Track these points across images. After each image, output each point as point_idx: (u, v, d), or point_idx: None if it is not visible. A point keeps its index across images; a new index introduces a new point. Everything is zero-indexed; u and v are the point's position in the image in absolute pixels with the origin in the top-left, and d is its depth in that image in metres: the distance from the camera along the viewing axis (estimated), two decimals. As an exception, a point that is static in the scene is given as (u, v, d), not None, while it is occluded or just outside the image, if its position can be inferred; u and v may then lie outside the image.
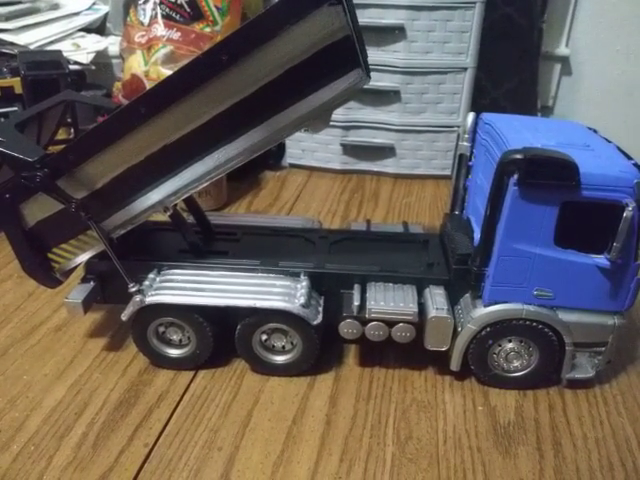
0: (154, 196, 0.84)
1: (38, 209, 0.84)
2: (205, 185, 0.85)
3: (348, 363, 0.94)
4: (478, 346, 0.85)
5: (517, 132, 0.83)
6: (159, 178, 0.82)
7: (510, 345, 0.86)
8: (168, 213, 0.88)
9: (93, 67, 1.93)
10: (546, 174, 0.73)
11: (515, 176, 0.73)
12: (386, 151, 1.66)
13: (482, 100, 1.81)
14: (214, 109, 0.75)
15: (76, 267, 0.93)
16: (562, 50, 1.97)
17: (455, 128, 1.62)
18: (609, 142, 0.83)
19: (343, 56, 0.71)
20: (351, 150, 1.67)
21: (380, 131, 1.64)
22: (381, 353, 0.95)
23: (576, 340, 0.84)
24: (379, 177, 1.69)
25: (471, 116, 0.94)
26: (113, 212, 0.85)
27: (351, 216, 1.46)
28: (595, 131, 0.89)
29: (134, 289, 0.85)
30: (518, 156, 0.73)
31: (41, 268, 0.89)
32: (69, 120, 1.42)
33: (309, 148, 1.70)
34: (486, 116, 0.92)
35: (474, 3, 1.49)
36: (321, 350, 0.89)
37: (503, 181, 0.75)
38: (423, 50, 1.54)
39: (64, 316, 1.04)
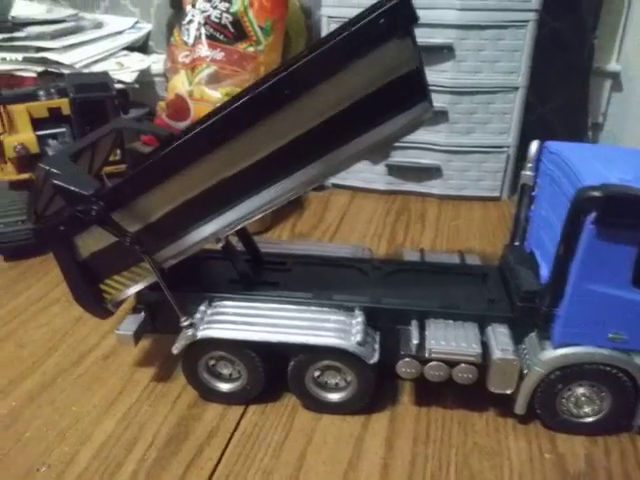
0: (208, 228, 0.82)
1: (92, 241, 0.83)
2: (258, 217, 0.83)
3: (403, 401, 0.90)
4: (546, 390, 0.80)
5: (588, 164, 0.78)
6: (214, 211, 0.80)
7: (581, 390, 0.80)
8: (221, 244, 0.86)
9: (137, 86, 1.94)
10: (626, 213, 0.68)
11: (592, 215, 0.69)
12: (432, 172, 1.62)
13: (529, 116, 1.76)
14: (274, 144, 0.72)
15: (127, 298, 0.91)
16: (613, 66, 1.90)
17: (505, 149, 1.57)
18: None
19: (410, 89, 0.68)
20: (397, 171, 1.64)
21: (427, 151, 1.60)
22: (438, 392, 0.90)
23: (653, 386, 0.78)
24: (424, 198, 1.65)
25: (535, 144, 0.90)
26: (167, 244, 0.83)
27: (398, 239, 1.42)
28: (671, 161, 0.83)
29: (186, 323, 0.83)
30: (596, 194, 0.68)
31: (93, 299, 0.88)
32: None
33: (354, 169, 1.65)
34: (551, 145, 0.88)
35: (527, 22, 1.44)
36: (377, 387, 0.86)
37: (579, 219, 0.70)
38: (472, 70, 1.50)
39: (112, 343, 1.03)
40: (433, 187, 1.64)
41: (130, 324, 0.89)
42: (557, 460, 0.79)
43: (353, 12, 0.67)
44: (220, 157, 0.74)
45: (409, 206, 1.60)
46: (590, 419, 0.82)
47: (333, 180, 1.71)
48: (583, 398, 0.81)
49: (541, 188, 0.90)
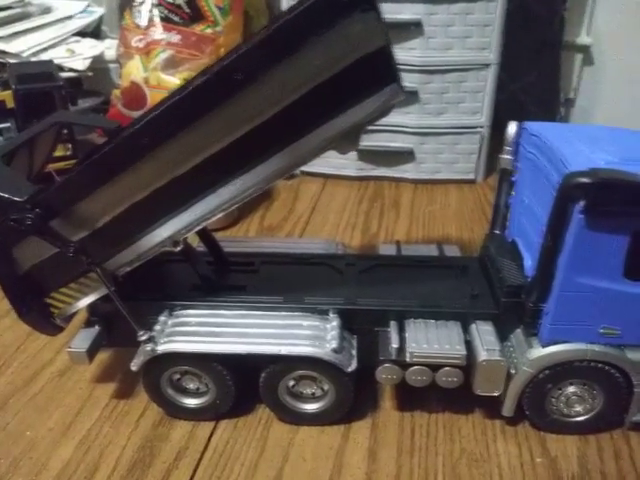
0: (163, 232, 0.74)
1: (32, 253, 0.74)
2: (219, 217, 0.75)
3: (385, 407, 0.85)
4: (535, 390, 0.75)
5: (572, 146, 0.73)
6: (168, 213, 0.72)
7: (572, 389, 0.76)
8: (178, 248, 0.78)
9: (90, 74, 1.82)
10: (617, 200, 0.63)
11: (581, 203, 0.63)
12: (405, 155, 1.56)
13: (499, 95, 1.70)
14: (228, 136, 0.65)
15: (77, 312, 0.83)
16: (583, 39, 1.85)
17: (479, 129, 1.52)
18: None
19: (377, 70, 0.61)
20: (367, 155, 1.57)
21: (398, 134, 1.53)
22: (422, 395, 0.84)
23: (646, 380, 0.74)
24: (398, 183, 1.59)
25: (513, 126, 0.84)
26: (117, 252, 0.75)
27: (372, 229, 1.35)
28: (654, 139, 0.78)
29: (144, 337, 0.75)
30: (585, 180, 0.62)
31: (38, 315, 0.80)
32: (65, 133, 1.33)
33: (323, 155, 1.59)
34: (531, 126, 0.82)
35: (497, -6, 1.37)
36: (356, 394, 0.80)
37: (566, 208, 0.65)
38: (442, 47, 1.43)
39: (68, 358, 0.95)
40: (406, 171, 1.58)
41: (83, 340, 0.81)
42: (549, 464, 0.75)
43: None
44: (169, 153, 0.65)
45: (382, 192, 1.54)
46: (581, 418, 0.78)
47: (303, 167, 1.63)
48: (574, 397, 0.76)
49: (521, 173, 0.84)
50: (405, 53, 1.45)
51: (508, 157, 0.85)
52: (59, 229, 0.70)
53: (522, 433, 0.80)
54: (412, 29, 1.43)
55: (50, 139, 0.91)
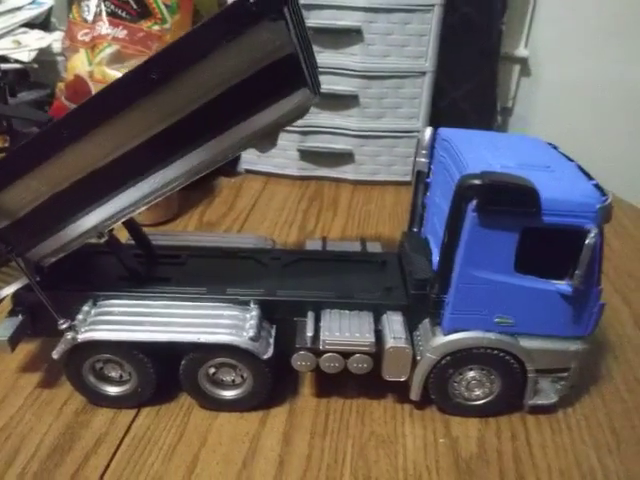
0: (86, 223, 0.76)
1: (-50, 241, 0.75)
2: (143, 209, 0.78)
3: (303, 393, 0.89)
4: (438, 375, 0.81)
5: (476, 151, 0.79)
6: (89, 205, 0.74)
7: (471, 374, 0.82)
8: (103, 239, 0.80)
9: (35, 66, 1.81)
10: (506, 200, 0.69)
11: (474, 202, 0.69)
12: (345, 157, 1.61)
13: (441, 102, 1.78)
14: (146, 132, 0.67)
15: (1, 300, 0.84)
16: (521, 51, 1.95)
17: (415, 133, 1.58)
18: (570, 160, 0.80)
19: (287, 75, 0.65)
20: (309, 156, 1.61)
21: (338, 136, 1.58)
22: (339, 381, 0.89)
23: (538, 367, 0.81)
24: (338, 183, 1.64)
25: (428, 131, 0.90)
26: (39, 241, 0.77)
27: (309, 226, 1.40)
28: (555, 147, 0.85)
29: (64, 326, 0.77)
30: (476, 181, 0.68)
31: (-41, 303, 0.80)
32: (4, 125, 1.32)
33: (267, 154, 1.62)
34: (444, 132, 0.88)
35: (432, 6, 1.44)
36: (274, 381, 0.84)
37: (461, 206, 0.71)
38: (381, 53, 1.49)
39: (-8, 348, 0.95)
40: (346, 172, 1.63)
41: (5, 329, 0.81)
42: (450, 444, 0.81)
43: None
44: (87, 148, 0.68)
45: (322, 192, 1.59)
46: (481, 401, 0.84)
47: (246, 166, 1.66)
48: (474, 381, 0.82)
49: (434, 174, 0.90)
50: (346, 58, 1.50)
51: (423, 160, 0.91)
52: (-22, 218, 0.72)
53: (429, 416, 0.85)
54: (353, 35, 1.48)
55: (-21, 130, 0.91)
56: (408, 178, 1.63)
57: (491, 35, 1.86)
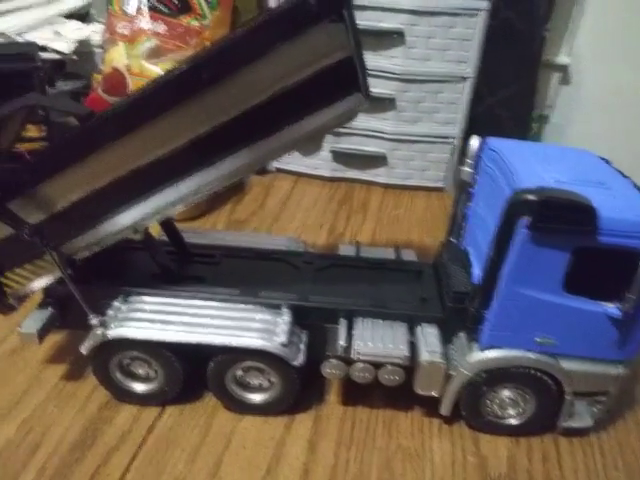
0: (123, 220, 0.75)
1: (-13, 233, 0.75)
2: (180, 209, 0.77)
3: (329, 401, 0.87)
4: (471, 392, 0.78)
5: (526, 164, 0.76)
6: (127, 202, 0.73)
7: (506, 392, 0.79)
8: (139, 236, 0.79)
9: (75, 57, 1.81)
10: (561, 218, 0.65)
11: (526, 219, 0.66)
12: (378, 160, 1.58)
13: (477, 107, 1.74)
14: (192, 132, 0.66)
15: (33, 293, 0.84)
16: (562, 59, 1.90)
17: (451, 139, 1.55)
18: (624, 177, 0.76)
19: (342, 78, 0.63)
20: (341, 157, 1.59)
21: (372, 139, 1.55)
22: (365, 390, 0.86)
23: (577, 389, 0.78)
24: (369, 186, 1.61)
25: (476, 140, 0.86)
26: (74, 236, 0.76)
27: (338, 229, 1.38)
28: (607, 162, 0.82)
29: (94, 321, 0.76)
30: (531, 197, 0.65)
31: (-10, 292, 0.80)
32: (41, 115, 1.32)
33: (298, 153, 1.61)
34: (492, 142, 0.84)
35: (478, 10, 1.41)
36: (302, 387, 0.82)
37: (512, 222, 0.67)
38: (422, 57, 1.46)
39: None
40: (378, 175, 1.60)
41: (35, 321, 0.81)
42: (479, 462, 0.78)
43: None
44: (131, 145, 0.66)
45: (353, 194, 1.56)
46: (514, 421, 0.81)
47: (277, 164, 1.65)
48: (508, 400, 0.79)
49: (479, 185, 0.87)
50: (386, 61, 1.47)
51: (468, 170, 0.88)
52: (18, 210, 0.71)
53: (458, 432, 0.82)
54: (394, 38, 1.45)
55: (19, 120, 0.91)
56: (440, 184, 1.60)
57: (533, 42, 1.82)
